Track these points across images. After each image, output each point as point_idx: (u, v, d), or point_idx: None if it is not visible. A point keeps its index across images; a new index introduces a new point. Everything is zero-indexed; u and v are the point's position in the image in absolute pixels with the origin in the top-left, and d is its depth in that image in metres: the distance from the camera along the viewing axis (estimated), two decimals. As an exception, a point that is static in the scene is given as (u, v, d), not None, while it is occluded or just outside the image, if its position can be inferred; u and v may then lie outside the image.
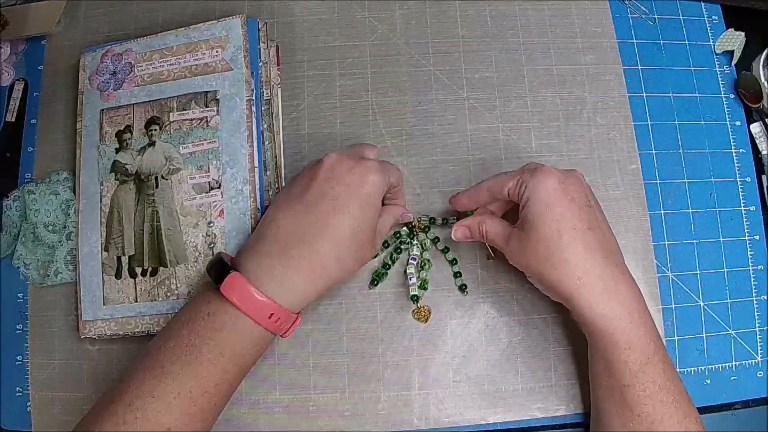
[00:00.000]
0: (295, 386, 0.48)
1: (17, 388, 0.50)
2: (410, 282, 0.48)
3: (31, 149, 0.54)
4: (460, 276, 0.50)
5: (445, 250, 0.50)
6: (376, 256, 0.50)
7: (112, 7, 0.57)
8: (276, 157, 0.51)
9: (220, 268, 0.40)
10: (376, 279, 0.49)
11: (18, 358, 0.51)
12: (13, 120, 0.55)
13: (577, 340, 0.48)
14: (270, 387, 0.48)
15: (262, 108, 0.51)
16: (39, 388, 0.50)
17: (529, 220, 0.40)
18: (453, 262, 0.50)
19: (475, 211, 0.48)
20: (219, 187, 0.48)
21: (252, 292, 0.39)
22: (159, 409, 0.37)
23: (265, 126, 0.50)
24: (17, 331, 0.51)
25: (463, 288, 0.49)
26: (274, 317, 0.39)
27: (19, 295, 0.52)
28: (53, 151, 0.54)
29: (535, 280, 0.43)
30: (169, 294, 0.48)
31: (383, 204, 0.46)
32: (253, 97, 0.50)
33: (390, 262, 0.50)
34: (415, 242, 0.50)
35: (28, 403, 0.49)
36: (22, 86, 0.56)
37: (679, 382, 0.40)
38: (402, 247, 0.50)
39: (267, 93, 0.51)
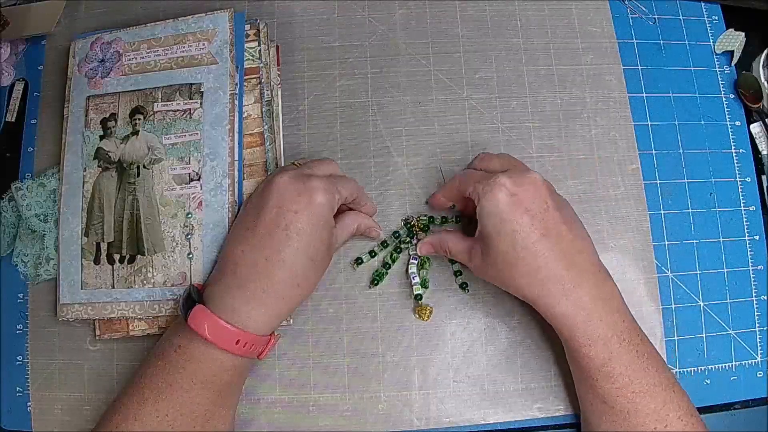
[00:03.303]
0: (295, 385, 0.48)
1: (17, 388, 0.50)
2: (413, 281, 0.48)
3: (31, 149, 0.54)
4: (461, 275, 0.50)
5: (445, 250, 0.50)
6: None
7: (112, 7, 0.57)
8: (276, 157, 0.51)
9: (188, 303, 0.41)
10: (376, 279, 0.49)
11: (18, 358, 0.51)
12: (13, 120, 0.55)
13: (577, 340, 0.48)
14: (270, 385, 0.48)
15: (263, 109, 0.51)
16: (39, 388, 0.50)
17: (485, 235, 0.41)
18: (453, 260, 0.50)
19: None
20: (199, 179, 0.49)
21: (216, 320, 0.40)
22: (141, 430, 0.39)
23: (266, 127, 0.50)
24: (17, 331, 0.51)
25: (464, 286, 0.49)
26: (241, 342, 0.40)
27: (19, 295, 0.52)
28: (53, 151, 0.54)
29: (503, 288, 0.44)
30: (145, 282, 0.48)
31: (350, 209, 0.48)
32: (237, 91, 0.50)
33: (390, 262, 0.50)
34: (414, 242, 0.50)
35: (28, 403, 0.49)
36: (22, 86, 0.56)
37: (658, 372, 0.40)
38: (402, 246, 0.50)
39: (267, 94, 0.51)
